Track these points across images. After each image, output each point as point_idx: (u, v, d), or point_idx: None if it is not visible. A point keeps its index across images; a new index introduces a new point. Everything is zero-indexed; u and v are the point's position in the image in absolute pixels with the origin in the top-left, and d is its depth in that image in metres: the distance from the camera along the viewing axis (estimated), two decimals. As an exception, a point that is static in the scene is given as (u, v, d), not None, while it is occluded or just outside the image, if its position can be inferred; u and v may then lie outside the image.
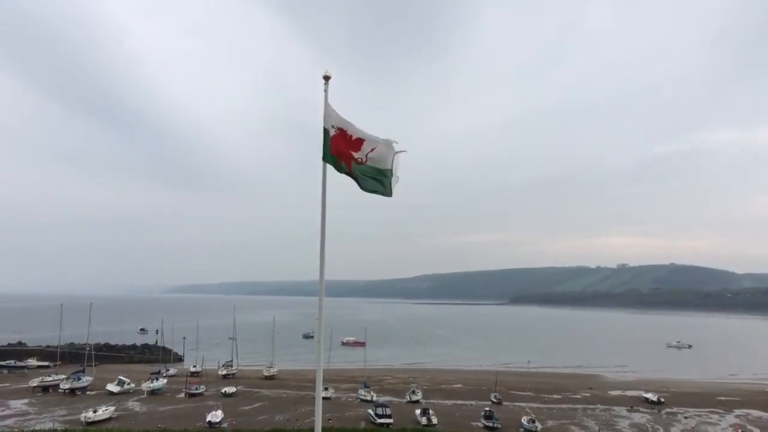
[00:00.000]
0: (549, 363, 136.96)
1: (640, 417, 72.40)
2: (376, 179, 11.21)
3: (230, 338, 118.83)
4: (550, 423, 65.78)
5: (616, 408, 78.10)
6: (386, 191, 11.29)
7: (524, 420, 63.67)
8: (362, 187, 11.51)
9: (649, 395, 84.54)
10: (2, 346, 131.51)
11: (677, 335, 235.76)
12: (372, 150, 11.06)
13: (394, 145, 10.96)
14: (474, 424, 62.33)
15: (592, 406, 78.94)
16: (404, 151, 11.11)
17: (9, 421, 61.17)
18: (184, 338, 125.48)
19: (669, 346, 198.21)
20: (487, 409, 67.61)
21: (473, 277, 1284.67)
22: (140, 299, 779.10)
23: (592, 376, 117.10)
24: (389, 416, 62.44)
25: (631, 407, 78.56)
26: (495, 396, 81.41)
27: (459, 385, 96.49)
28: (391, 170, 11.07)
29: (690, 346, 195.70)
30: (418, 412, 65.89)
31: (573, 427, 64.49)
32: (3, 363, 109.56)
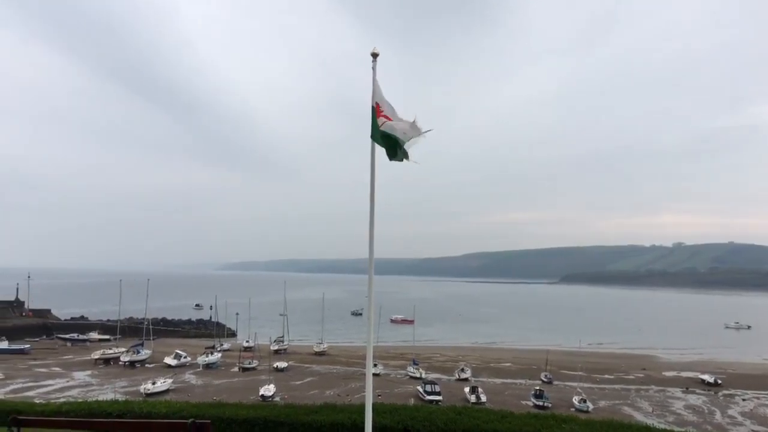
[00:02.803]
0: (601, 343, 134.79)
1: (696, 399, 70.68)
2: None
3: (281, 314, 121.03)
4: (602, 403, 64.90)
5: (670, 389, 76.43)
6: (397, 156, 11.04)
7: (575, 400, 63.00)
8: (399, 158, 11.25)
9: (706, 377, 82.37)
10: (66, 320, 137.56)
11: (735, 316, 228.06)
12: (391, 121, 10.92)
13: (420, 130, 10.74)
14: (524, 402, 62.04)
15: (645, 387, 77.47)
16: (430, 129, 10.89)
17: (73, 392, 64.04)
18: (237, 314, 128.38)
19: (727, 327, 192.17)
20: (537, 388, 67.15)
21: (523, 256, 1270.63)
22: (194, 276, 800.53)
23: (645, 356, 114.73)
24: (438, 393, 62.86)
25: (687, 388, 76.73)
26: (545, 375, 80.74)
27: (508, 364, 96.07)
28: (404, 147, 10.86)
29: (749, 327, 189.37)
30: (467, 389, 66.07)
31: (626, 408, 63.46)
32: (67, 336, 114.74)
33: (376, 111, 11.02)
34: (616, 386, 78.05)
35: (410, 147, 10.89)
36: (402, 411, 16.26)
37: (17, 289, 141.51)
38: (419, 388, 66.57)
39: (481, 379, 78.97)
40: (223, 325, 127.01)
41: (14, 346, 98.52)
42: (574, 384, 75.10)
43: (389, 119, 10.82)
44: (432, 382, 67.55)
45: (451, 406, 19.69)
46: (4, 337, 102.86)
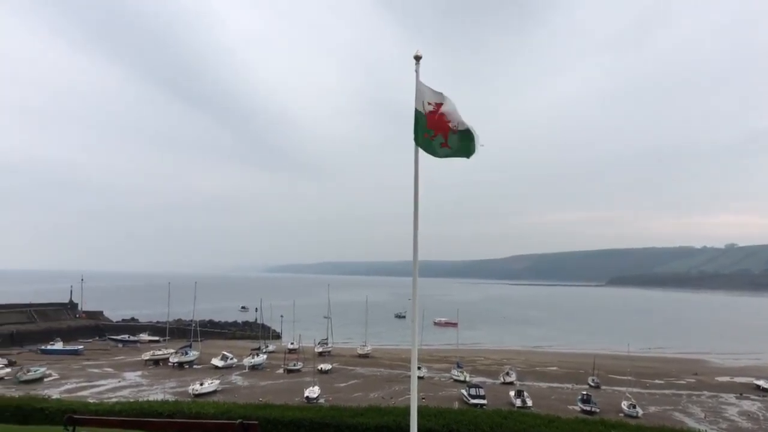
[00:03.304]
0: (650, 347, 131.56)
1: (751, 404, 68.33)
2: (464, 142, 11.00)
3: (325, 317, 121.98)
4: (652, 409, 63.35)
5: (723, 395, 74.05)
6: (467, 152, 11.03)
7: (624, 405, 61.69)
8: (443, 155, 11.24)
9: (761, 382, 79.47)
10: (118, 322, 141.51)
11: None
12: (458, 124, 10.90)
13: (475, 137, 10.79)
14: (571, 407, 61.04)
15: (697, 393, 75.24)
16: (482, 146, 10.92)
17: (125, 392, 65.79)
18: (282, 316, 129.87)
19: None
20: (585, 392, 66.01)
21: (569, 258, 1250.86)
22: (239, 278, 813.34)
23: (697, 361, 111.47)
24: (483, 397, 62.36)
25: (741, 394, 74.25)
26: (593, 380, 79.24)
27: (554, 368, 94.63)
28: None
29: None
30: (512, 393, 65.35)
31: (677, 414, 61.78)
32: (118, 337, 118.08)
33: (423, 114, 11.01)
34: (667, 391, 76.02)
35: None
36: (447, 414, 16.19)
37: (71, 291, 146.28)
38: (463, 391, 66.19)
39: (526, 382, 77.98)
40: (268, 327, 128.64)
41: (68, 347, 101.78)
42: (623, 389, 73.51)
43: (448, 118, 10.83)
44: (476, 386, 67.09)
45: (496, 409, 19.50)
46: (58, 338, 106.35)
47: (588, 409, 59.77)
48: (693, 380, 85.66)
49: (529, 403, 61.04)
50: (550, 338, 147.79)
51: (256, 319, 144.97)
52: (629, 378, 79.49)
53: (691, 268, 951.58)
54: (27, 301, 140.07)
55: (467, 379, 77.70)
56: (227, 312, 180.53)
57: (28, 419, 16.77)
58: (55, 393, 56.84)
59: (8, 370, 77.10)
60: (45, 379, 72.82)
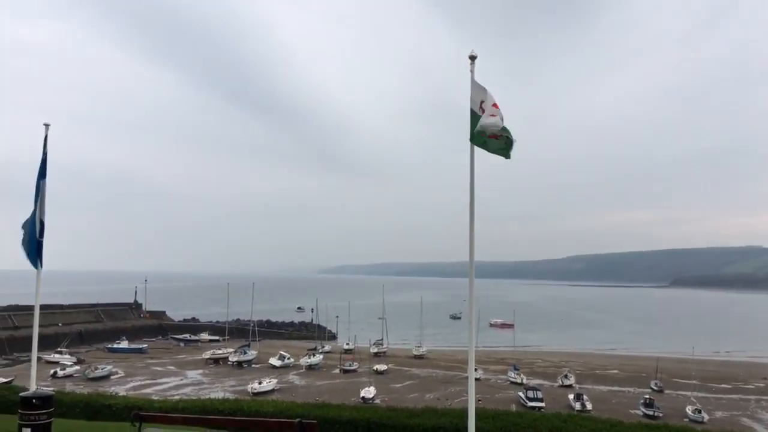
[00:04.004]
0: (716, 350, 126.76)
1: (827, 412, 64.98)
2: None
3: (380, 318, 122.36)
4: (718, 414, 61.05)
5: (797, 401, 70.66)
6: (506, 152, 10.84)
7: (689, 410, 59.68)
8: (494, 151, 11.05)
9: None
10: (179, 322, 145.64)
11: None
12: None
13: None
14: (632, 411, 59.46)
15: (767, 398, 72.07)
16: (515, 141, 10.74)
17: (187, 389, 67.68)
18: (337, 317, 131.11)
19: None
20: (647, 396, 64.16)
21: (629, 258, 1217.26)
22: (295, 279, 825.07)
23: (766, 365, 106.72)
24: (541, 399, 61.39)
25: (816, 401, 70.70)
26: (655, 383, 76.86)
27: (615, 371, 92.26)
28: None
29: None
30: (571, 396, 64.11)
31: (745, 419, 59.36)
32: (180, 337, 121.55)
33: (478, 115, 10.91)
34: (734, 396, 73.12)
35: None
36: (504, 417, 16.00)
37: (135, 292, 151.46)
38: (521, 393, 65.34)
39: (585, 386, 76.28)
40: (324, 328, 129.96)
41: (133, 346, 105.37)
42: (688, 393, 71.03)
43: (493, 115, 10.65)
44: (534, 388, 66.11)
45: (555, 412, 19.14)
46: (124, 337, 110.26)
47: (651, 413, 58.07)
48: (762, 384, 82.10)
49: (589, 406, 59.74)
50: (610, 341, 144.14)
51: (312, 320, 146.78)
52: (694, 382, 76.75)
53: (759, 269, 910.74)
54: (94, 302, 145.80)
55: (524, 381, 76.63)
56: (284, 312, 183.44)
57: (97, 415, 17.41)
58: (121, 390, 58.93)
59: (77, 367, 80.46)
60: (112, 377, 75.67)
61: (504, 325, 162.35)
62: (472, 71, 11.18)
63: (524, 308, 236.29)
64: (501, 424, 14.99)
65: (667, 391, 74.40)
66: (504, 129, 10.47)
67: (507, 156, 10.79)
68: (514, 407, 59.07)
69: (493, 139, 10.68)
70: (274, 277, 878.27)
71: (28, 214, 13.13)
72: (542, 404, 59.35)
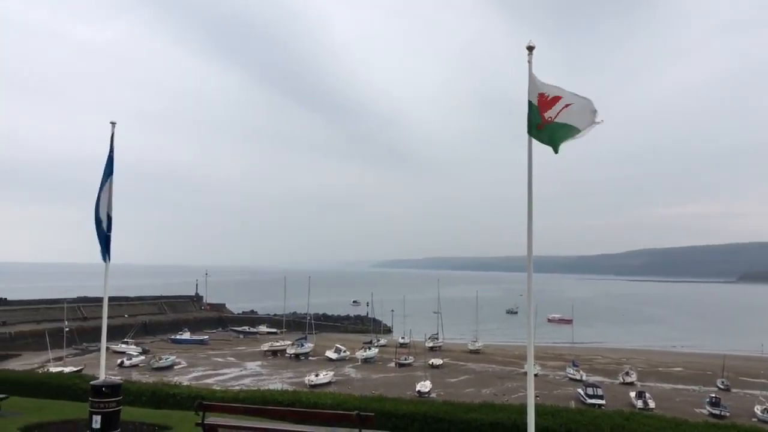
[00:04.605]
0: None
1: None
2: (559, 133, 10.43)
3: (435, 312, 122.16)
4: (790, 415, 58.34)
5: None
6: (555, 145, 10.45)
7: (758, 409, 57.36)
8: (543, 141, 10.70)
9: None
10: (238, 314, 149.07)
11: None
12: (566, 107, 10.36)
13: (593, 112, 10.18)
14: (698, 410, 57.48)
15: (844, 400, 68.46)
16: (601, 121, 10.28)
17: (246, 380, 69.21)
18: (392, 311, 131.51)
19: None
20: (713, 395, 61.93)
21: (692, 253, 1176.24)
22: (350, 273, 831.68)
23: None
24: (601, 397, 60.03)
25: None
26: (722, 382, 74.02)
27: (679, 369, 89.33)
28: (579, 131, 10.30)
29: None
30: (632, 394, 62.53)
31: (820, 422, 56.49)
32: (239, 329, 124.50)
33: (535, 105, 10.65)
34: (809, 397, 69.72)
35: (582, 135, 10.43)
36: (564, 413, 15.64)
37: (197, 285, 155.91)
38: (580, 390, 64.07)
39: (647, 383, 74.17)
40: (379, 321, 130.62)
41: (195, 337, 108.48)
42: (757, 392, 68.18)
43: (564, 106, 10.34)
44: (594, 385, 64.75)
45: (617, 410, 18.64)
46: (186, 329, 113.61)
47: (717, 412, 56.01)
48: (839, 386, 78.05)
49: (652, 404, 58.05)
50: (674, 337, 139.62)
51: (367, 314, 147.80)
52: (763, 381, 73.67)
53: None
54: (157, 294, 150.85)
55: (583, 378, 75.12)
56: (339, 306, 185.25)
57: (162, 404, 17.97)
58: (184, 380, 60.66)
59: (143, 357, 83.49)
60: (175, 367, 78.14)
61: (562, 321, 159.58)
62: (529, 62, 10.88)
63: (583, 303, 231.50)
64: (561, 421, 14.65)
65: (734, 390, 71.61)
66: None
67: (555, 149, 10.48)
68: (573, 404, 57.97)
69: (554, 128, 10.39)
70: (329, 271, 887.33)
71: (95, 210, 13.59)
72: (602, 401, 58.04)
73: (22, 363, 74.48)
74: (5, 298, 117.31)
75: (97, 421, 11.08)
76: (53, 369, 56.65)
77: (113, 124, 13.86)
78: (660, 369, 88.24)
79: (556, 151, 10.45)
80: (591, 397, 59.84)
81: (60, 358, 75.48)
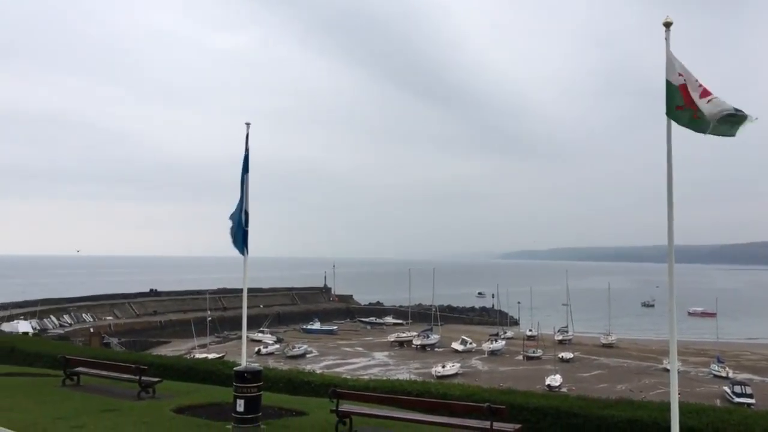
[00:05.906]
0: None
1: None
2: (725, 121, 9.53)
3: (564, 304, 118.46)
4: None
5: None
6: (731, 131, 9.49)
7: None
8: (703, 131, 9.81)
9: None
10: (365, 305, 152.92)
11: None
12: (708, 94, 9.50)
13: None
14: None
15: None
16: (756, 119, 9.28)
17: (375, 370, 70.91)
18: (519, 303, 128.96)
19: None
20: None
21: None
22: (474, 264, 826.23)
23: None
24: (750, 396, 55.69)
25: None
26: None
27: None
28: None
29: None
30: (788, 394, 57.46)
31: None
32: (366, 320, 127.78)
33: (675, 86, 9.92)
34: None
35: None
36: (710, 412, 14.59)
37: (325, 277, 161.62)
38: (726, 388, 59.75)
39: (806, 383, 67.73)
40: (506, 314, 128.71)
41: (325, 327, 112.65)
42: None
43: (707, 94, 9.53)
44: (742, 383, 60.06)
45: (770, 411, 17.14)
46: (316, 319, 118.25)
47: None
48: None
49: (811, 406, 53.01)
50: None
51: (493, 305, 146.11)
52: None
53: None
54: (289, 286, 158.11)
55: (730, 375, 69.87)
56: (465, 298, 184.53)
57: (297, 390, 18.82)
58: (316, 368, 63.20)
59: (277, 346, 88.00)
60: (307, 355, 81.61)
61: (705, 314, 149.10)
62: (666, 39, 10.11)
63: (728, 295, 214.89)
64: (707, 420, 13.69)
65: None
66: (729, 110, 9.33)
67: (705, 131, 9.65)
68: (718, 402, 54.13)
69: (698, 120, 9.60)
70: (454, 263, 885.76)
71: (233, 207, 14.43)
72: (752, 400, 53.74)
73: (172, 349, 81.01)
74: (156, 290, 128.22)
75: (240, 405, 11.89)
76: (198, 355, 61.26)
77: (248, 124, 14.56)
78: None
79: (703, 132, 9.64)
80: (739, 395, 55.60)
81: (204, 345, 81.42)
